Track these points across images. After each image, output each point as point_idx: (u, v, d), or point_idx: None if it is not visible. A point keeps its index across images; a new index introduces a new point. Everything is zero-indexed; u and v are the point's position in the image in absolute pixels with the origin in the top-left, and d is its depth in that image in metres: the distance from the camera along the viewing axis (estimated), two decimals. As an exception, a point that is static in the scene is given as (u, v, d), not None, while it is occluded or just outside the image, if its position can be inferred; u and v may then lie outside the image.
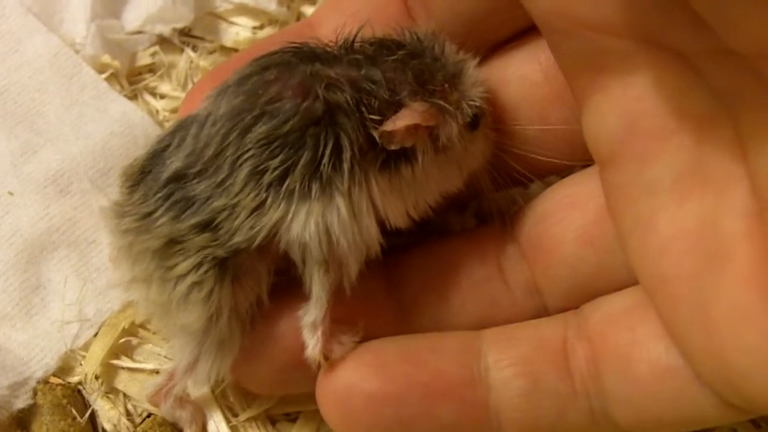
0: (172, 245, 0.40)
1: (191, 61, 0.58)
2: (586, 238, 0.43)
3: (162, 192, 0.40)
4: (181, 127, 0.41)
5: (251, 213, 0.39)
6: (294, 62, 0.40)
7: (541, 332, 0.43)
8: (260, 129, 0.39)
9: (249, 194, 0.39)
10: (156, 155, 0.41)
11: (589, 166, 0.44)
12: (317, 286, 0.40)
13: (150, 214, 0.40)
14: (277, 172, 0.39)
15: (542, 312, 0.44)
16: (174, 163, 0.40)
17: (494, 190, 0.46)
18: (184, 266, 0.40)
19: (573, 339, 0.42)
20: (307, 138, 0.39)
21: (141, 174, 0.42)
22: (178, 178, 0.40)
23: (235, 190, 0.39)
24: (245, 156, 0.39)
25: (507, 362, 0.42)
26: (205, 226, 0.39)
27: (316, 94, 0.39)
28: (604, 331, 0.41)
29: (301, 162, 0.39)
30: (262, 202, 0.39)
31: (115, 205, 0.42)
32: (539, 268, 0.44)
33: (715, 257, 0.35)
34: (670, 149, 0.37)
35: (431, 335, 0.43)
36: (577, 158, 0.44)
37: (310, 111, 0.39)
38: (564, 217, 0.44)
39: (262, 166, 0.39)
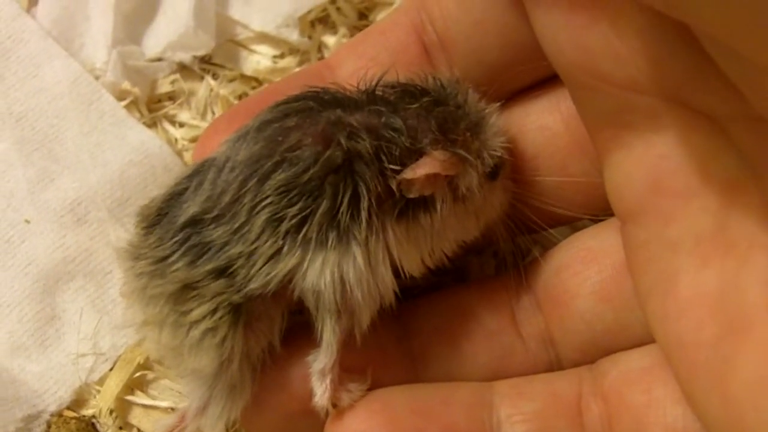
0: (186, 290, 0.40)
1: (211, 89, 0.58)
2: (603, 294, 0.43)
3: (178, 236, 0.40)
4: (199, 171, 0.41)
5: (268, 260, 0.39)
6: (315, 108, 0.40)
7: (554, 387, 0.42)
8: (279, 176, 0.38)
9: (266, 242, 0.38)
10: (173, 198, 0.41)
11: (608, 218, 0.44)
12: (328, 334, 0.40)
13: (165, 258, 0.40)
14: (294, 220, 0.38)
15: (555, 364, 0.44)
16: (191, 207, 0.40)
17: (510, 239, 0.45)
18: (198, 312, 0.39)
19: (587, 395, 0.42)
20: (326, 186, 0.38)
21: (158, 216, 0.41)
22: (195, 222, 0.40)
23: (252, 237, 0.39)
24: (263, 203, 0.39)
25: (519, 417, 0.41)
26: (221, 272, 0.39)
27: (337, 142, 0.39)
28: (620, 390, 0.41)
29: (320, 211, 0.38)
30: (279, 250, 0.39)
31: (130, 246, 0.42)
32: (554, 321, 0.44)
33: (736, 326, 0.34)
34: (694, 210, 0.36)
35: (442, 385, 0.43)
36: (596, 211, 0.44)
37: (330, 159, 0.38)
38: (581, 271, 0.44)
39: (280, 214, 0.38)
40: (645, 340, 0.41)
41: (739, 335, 0.34)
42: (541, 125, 0.45)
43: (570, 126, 0.44)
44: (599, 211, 0.44)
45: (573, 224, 0.48)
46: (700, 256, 0.36)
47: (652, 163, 0.37)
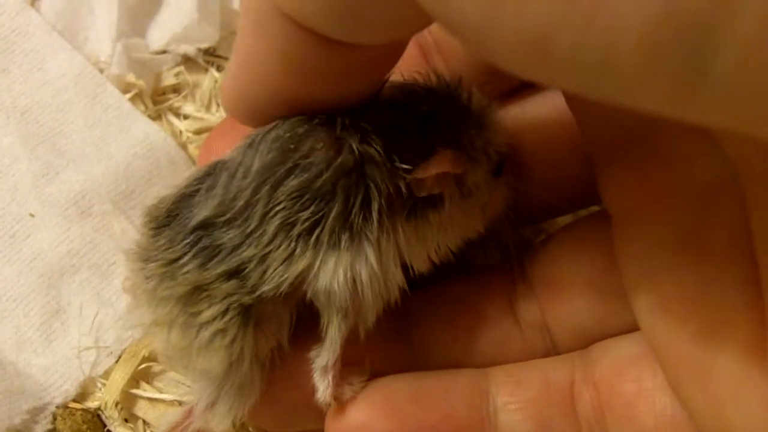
0: (197, 292, 0.40)
1: (216, 82, 0.58)
2: (595, 283, 0.43)
3: (189, 238, 0.40)
4: (210, 174, 0.41)
5: (281, 264, 0.39)
6: (325, 113, 0.40)
7: (548, 374, 0.43)
8: (292, 183, 0.38)
9: (279, 246, 0.39)
10: (183, 199, 0.41)
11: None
12: (333, 331, 0.41)
13: (176, 260, 0.40)
14: (307, 224, 0.38)
15: (551, 351, 0.45)
16: (203, 210, 0.40)
17: (511, 231, 0.46)
18: (209, 313, 0.39)
19: (580, 382, 0.43)
20: (338, 190, 0.38)
21: (167, 217, 0.41)
22: (206, 225, 0.40)
23: (265, 241, 0.39)
24: (276, 209, 0.38)
25: (516, 405, 0.42)
26: (233, 274, 0.39)
27: (349, 146, 0.39)
28: (610, 379, 0.42)
29: (332, 214, 0.38)
30: (291, 253, 0.39)
31: (139, 247, 0.42)
32: (549, 309, 0.45)
33: (717, 321, 0.35)
34: (675, 210, 0.37)
35: (441, 373, 0.44)
36: (592, 202, 0.45)
37: (342, 164, 0.38)
38: (574, 260, 0.44)
39: (293, 219, 0.38)
40: (636, 327, 0.42)
41: (719, 332, 0.35)
42: (537, 121, 0.46)
43: (564, 121, 0.44)
44: (596, 202, 0.45)
45: (576, 213, 0.49)
46: (681, 254, 0.36)
47: (638, 161, 0.38)
